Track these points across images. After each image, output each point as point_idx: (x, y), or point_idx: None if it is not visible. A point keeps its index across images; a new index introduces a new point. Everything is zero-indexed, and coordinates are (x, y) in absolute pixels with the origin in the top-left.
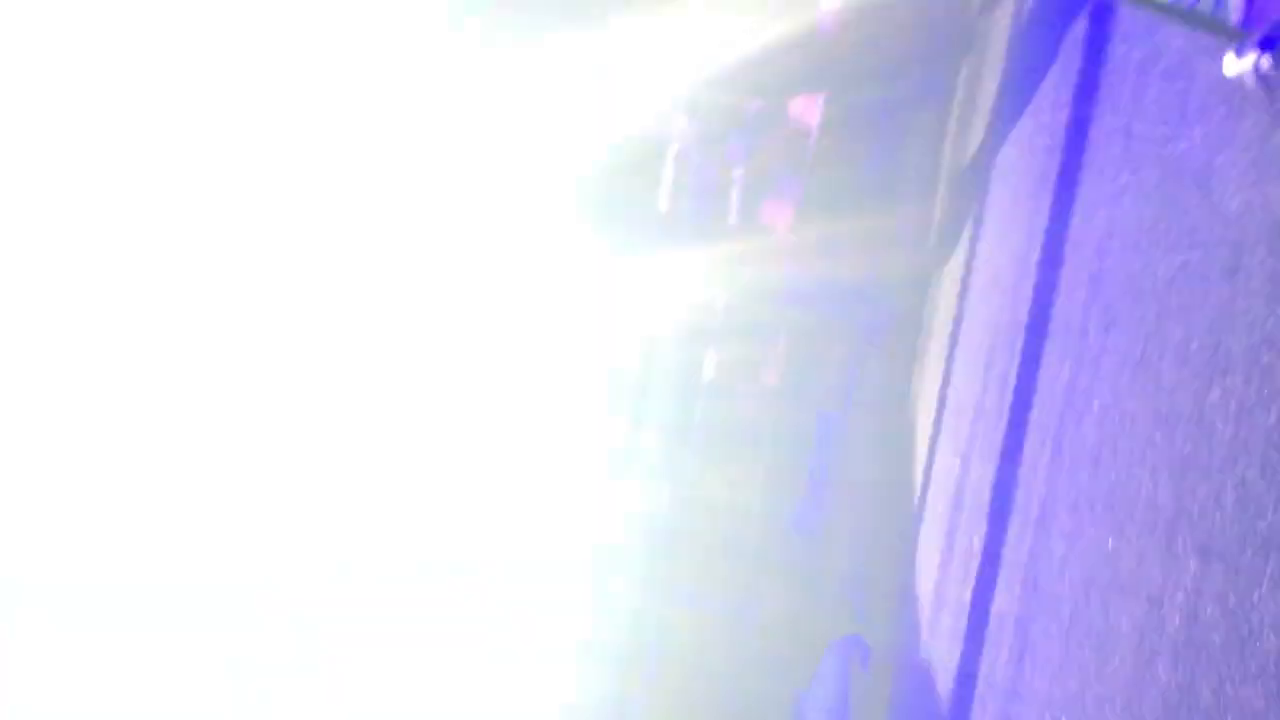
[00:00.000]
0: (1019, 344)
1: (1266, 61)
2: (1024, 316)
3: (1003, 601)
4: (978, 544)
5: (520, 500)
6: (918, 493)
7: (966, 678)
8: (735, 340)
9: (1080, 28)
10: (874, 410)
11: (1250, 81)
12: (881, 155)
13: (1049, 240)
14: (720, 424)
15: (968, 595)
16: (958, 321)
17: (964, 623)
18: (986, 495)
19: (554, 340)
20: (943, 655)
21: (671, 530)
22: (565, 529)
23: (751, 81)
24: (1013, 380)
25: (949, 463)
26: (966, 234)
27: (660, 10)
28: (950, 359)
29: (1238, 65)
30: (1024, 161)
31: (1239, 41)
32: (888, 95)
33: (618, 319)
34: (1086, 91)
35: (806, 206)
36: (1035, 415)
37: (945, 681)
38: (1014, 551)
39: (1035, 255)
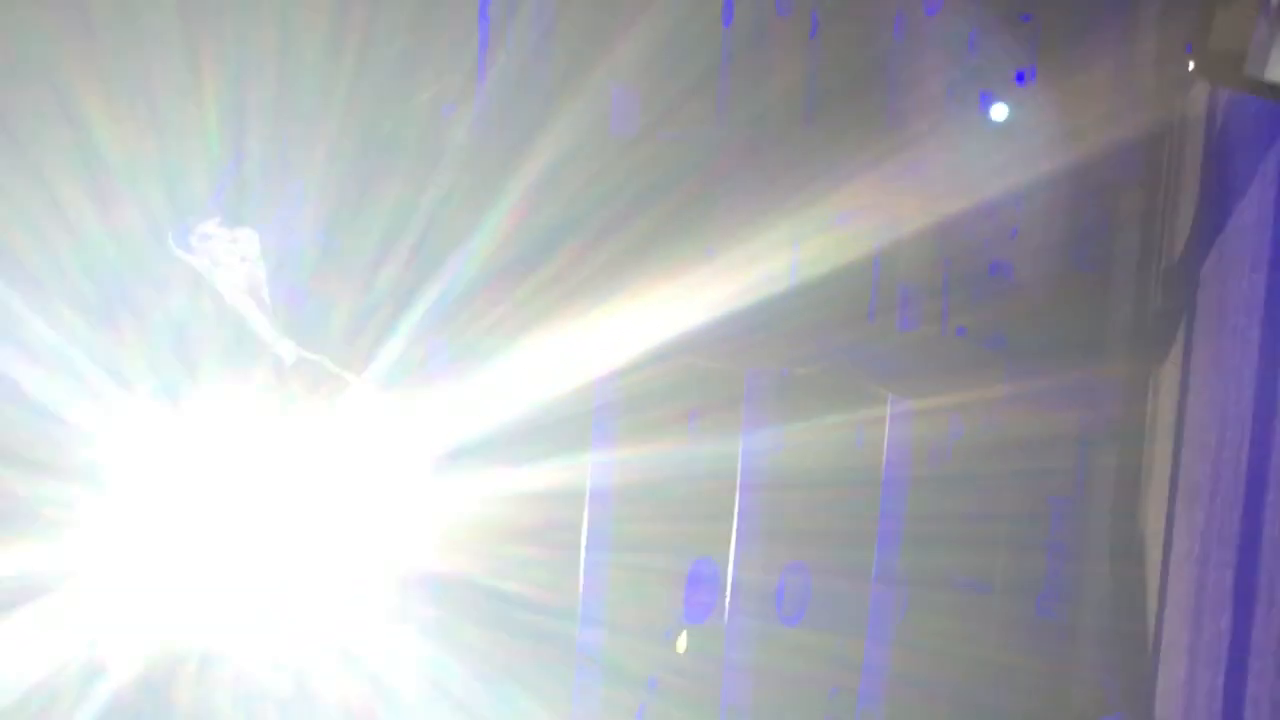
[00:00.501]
0: (1248, 427)
1: None
2: (1250, 398)
3: (1256, 686)
4: (1225, 627)
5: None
6: (1158, 576)
7: None
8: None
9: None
10: (1104, 495)
11: None
12: (1090, 253)
13: (1269, 320)
14: (955, 512)
15: (1219, 681)
16: (1182, 408)
17: (1218, 707)
18: (1229, 579)
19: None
20: None
21: (913, 621)
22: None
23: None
24: (1244, 465)
25: (1187, 546)
26: (1183, 322)
27: None
28: (1178, 445)
29: None
30: (1237, 249)
31: None
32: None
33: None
34: None
35: (1020, 305)
36: (1271, 498)
37: None
38: (1262, 635)
39: (1256, 333)
